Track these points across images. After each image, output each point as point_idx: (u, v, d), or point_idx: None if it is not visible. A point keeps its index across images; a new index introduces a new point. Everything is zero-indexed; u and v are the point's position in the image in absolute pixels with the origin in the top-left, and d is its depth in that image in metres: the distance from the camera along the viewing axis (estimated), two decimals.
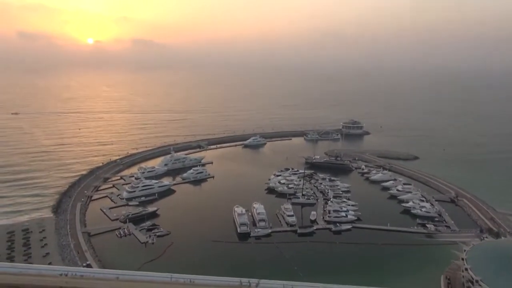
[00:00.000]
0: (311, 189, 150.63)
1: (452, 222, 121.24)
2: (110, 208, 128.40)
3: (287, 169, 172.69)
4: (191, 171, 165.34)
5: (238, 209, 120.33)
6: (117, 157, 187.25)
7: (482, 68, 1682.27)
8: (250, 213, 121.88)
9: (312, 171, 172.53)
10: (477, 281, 76.24)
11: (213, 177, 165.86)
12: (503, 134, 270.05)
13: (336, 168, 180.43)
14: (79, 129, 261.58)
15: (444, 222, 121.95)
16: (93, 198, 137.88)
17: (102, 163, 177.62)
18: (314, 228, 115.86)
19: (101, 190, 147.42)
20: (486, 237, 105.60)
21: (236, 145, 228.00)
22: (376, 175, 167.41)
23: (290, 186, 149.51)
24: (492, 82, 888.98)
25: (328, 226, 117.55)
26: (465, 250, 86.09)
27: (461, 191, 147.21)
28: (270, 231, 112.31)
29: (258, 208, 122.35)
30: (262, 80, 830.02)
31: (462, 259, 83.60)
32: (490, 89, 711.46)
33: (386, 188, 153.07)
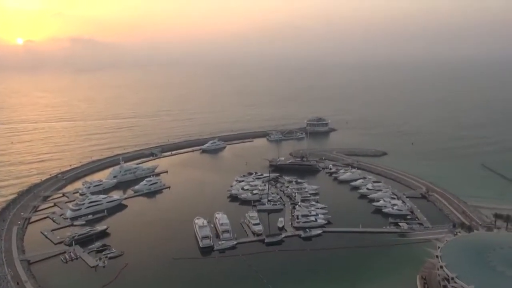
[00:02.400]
0: (277, 194, 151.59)
1: (425, 218, 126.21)
2: (53, 230, 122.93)
3: (250, 174, 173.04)
4: (144, 182, 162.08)
5: (199, 221, 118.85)
6: (58, 172, 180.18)
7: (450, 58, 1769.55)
8: (212, 225, 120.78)
9: (277, 174, 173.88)
10: (452, 278, 79.51)
11: (169, 187, 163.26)
12: (473, 126, 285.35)
13: (302, 169, 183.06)
14: (11, 142, 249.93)
15: (416, 219, 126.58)
16: (31, 220, 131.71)
17: (41, 179, 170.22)
18: (283, 236, 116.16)
19: (40, 210, 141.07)
20: (459, 232, 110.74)
21: (193, 151, 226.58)
22: (345, 175, 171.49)
23: (254, 192, 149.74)
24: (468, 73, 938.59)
25: (297, 232, 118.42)
26: (439, 247, 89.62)
27: (432, 186, 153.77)
28: (235, 242, 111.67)
29: (221, 218, 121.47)
30: (220, 79, 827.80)
31: (437, 256, 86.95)
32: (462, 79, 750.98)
33: (355, 188, 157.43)
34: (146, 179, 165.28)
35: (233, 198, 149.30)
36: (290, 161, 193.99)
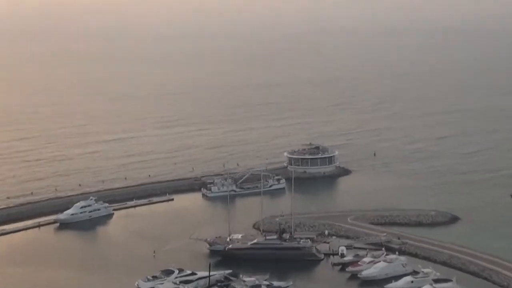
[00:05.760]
0: None
1: None
2: None
3: (168, 273, 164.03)
4: None
5: None
6: None
7: None
8: None
9: (229, 270, 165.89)
10: None
11: None
12: None
13: (282, 257, 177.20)
14: None
15: None
16: None
17: None
18: None
19: None
20: None
21: (39, 225, 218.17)
22: (374, 268, 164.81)
23: None
24: None
25: None
26: None
27: None
28: None
29: None
30: (107, 65, 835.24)
31: None
32: None
33: None
34: None
35: None
36: (254, 241, 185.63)
